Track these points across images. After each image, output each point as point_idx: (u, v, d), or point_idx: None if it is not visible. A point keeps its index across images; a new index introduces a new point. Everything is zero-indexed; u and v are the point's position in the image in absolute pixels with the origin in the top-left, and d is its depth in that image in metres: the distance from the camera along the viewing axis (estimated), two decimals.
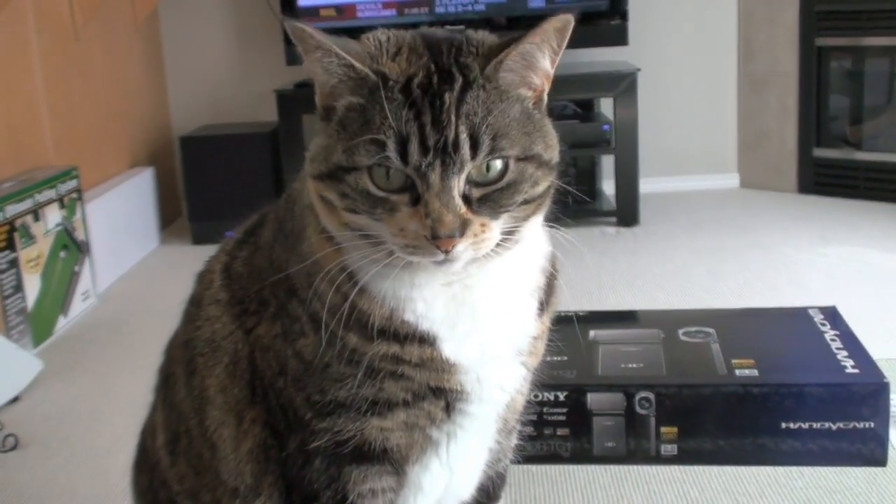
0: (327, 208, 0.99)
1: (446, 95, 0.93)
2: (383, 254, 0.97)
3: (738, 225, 3.94)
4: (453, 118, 0.93)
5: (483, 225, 0.95)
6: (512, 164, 0.96)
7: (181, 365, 1.22)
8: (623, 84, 3.93)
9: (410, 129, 0.92)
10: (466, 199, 0.95)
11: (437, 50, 0.97)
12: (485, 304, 1.07)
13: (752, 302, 2.93)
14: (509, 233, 0.99)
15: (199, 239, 4.05)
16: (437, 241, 0.93)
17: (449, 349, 1.06)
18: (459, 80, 0.95)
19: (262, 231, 1.19)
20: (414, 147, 0.92)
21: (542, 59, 0.99)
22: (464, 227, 0.94)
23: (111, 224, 3.60)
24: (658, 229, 3.95)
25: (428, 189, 0.93)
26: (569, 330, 1.96)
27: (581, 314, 2.17)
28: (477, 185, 0.95)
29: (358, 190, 0.94)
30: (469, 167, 0.94)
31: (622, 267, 3.44)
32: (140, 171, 4.09)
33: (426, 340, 1.05)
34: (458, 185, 0.94)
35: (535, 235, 1.11)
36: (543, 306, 1.14)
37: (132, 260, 3.81)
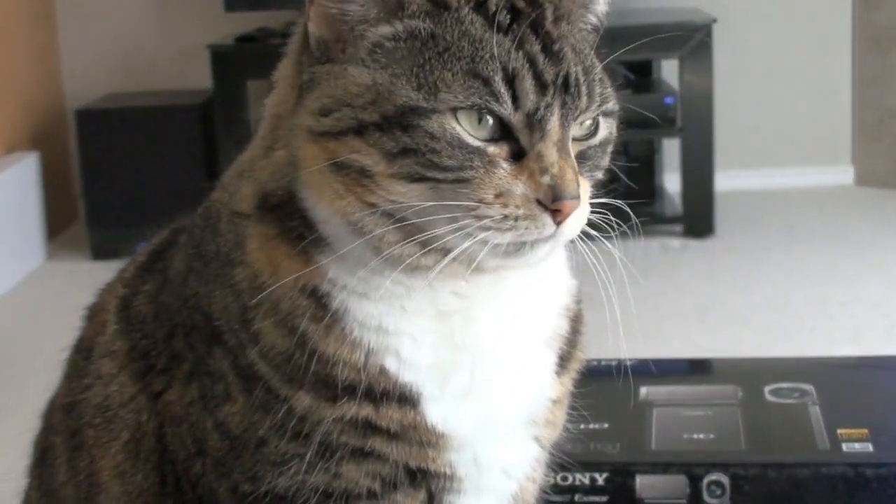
0: (347, 181, 1.00)
1: (547, 23, 1.00)
2: (455, 236, 0.98)
3: (853, 237, 3.94)
4: (568, 51, 1.00)
5: (586, 192, 1.02)
6: (601, 119, 1.05)
7: (63, 436, 1.21)
8: (693, 40, 3.94)
9: (519, 62, 0.97)
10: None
11: None
12: (490, 347, 1.07)
13: (869, 346, 2.92)
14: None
15: (100, 252, 4.06)
16: (557, 205, 0.97)
17: (436, 413, 1.06)
18: (550, 7, 1.02)
19: (171, 256, 1.19)
20: (528, 84, 0.97)
21: None
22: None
23: None
24: (740, 242, 3.94)
25: (543, 138, 0.98)
26: (612, 385, 1.95)
27: (630, 363, 2.15)
28: (574, 139, 1.02)
29: (444, 139, 0.96)
30: (588, 115, 1.01)
31: (690, 294, 3.42)
32: (19, 159, 4.07)
33: (407, 399, 1.06)
34: (571, 135, 1.01)
35: (558, 256, 1.12)
36: (565, 362, 1.16)
37: (7, 281, 3.79)
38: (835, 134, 4.65)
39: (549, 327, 1.14)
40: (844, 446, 1.86)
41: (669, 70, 4.29)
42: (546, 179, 0.97)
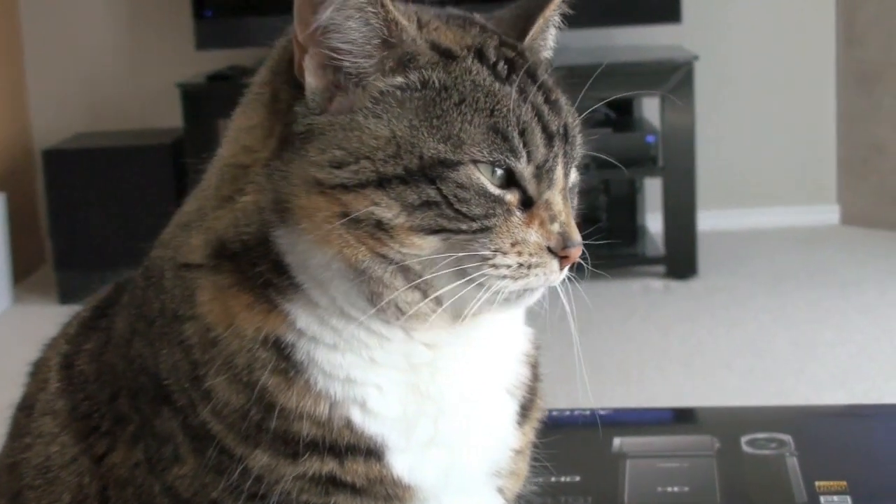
0: (360, 233, 1.00)
1: (539, 72, 1.04)
2: (462, 285, 1.00)
3: (839, 278, 3.95)
4: (562, 100, 1.05)
5: None
6: None
7: (5, 498, 1.19)
8: (675, 77, 3.96)
9: (528, 115, 1.00)
10: None
11: (471, 21, 1.07)
12: (455, 397, 1.07)
13: (856, 389, 2.93)
14: None
15: (68, 296, 4.04)
16: (566, 252, 1.02)
17: (402, 464, 1.05)
18: (530, 57, 1.06)
19: (114, 315, 1.18)
20: (538, 137, 1.01)
21: (550, 38, 1.13)
22: None
23: None
24: (723, 283, 3.95)
25: (551, 186, 1.02)
26: (584, 436, 1.93)
27: (603, 413, 2.13)
28: None
29: (473, 188, 0.99)
30: (578, 161, 1.07)
31: (673, 337, 3.43)
32: None
33: (372, 452, 1.05)
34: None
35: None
36: (526, 411, 1.15)
37: None
38: (819, 172, 4.67)
39: (511, 375, 1.13)
40: (823, 499, 1.83)
41: (650, 108, 4.31)
42: (556, 227, 1.01)
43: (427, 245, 0.99)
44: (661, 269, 4.08)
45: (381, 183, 0.99)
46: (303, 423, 1.03)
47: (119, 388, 1.11)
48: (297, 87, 1.02)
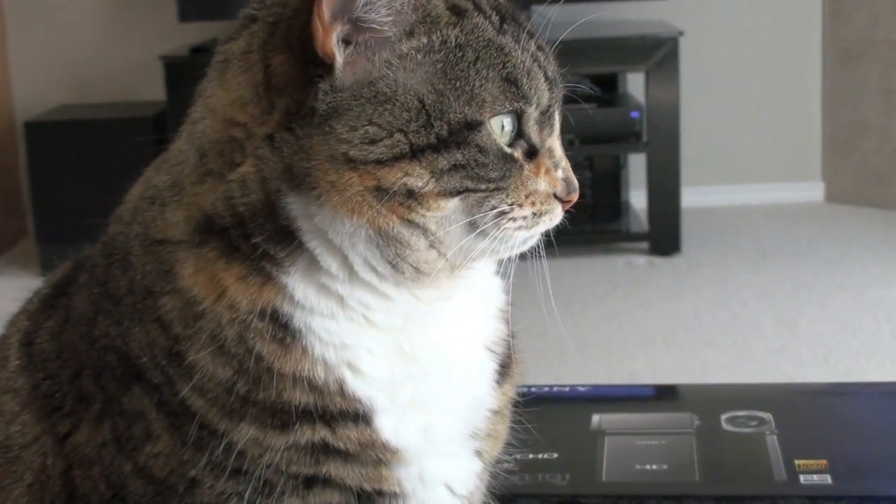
0: (391, 203, 1.00)
1: (521, 19, 1.06)
2: (488, 237, 1.03)
3: (823, 255, 3.95)
4: (547, 45, 1.06)
5: None
6: None
7: None
8: (659, 53, 3.95)
9: (530, 62, 1.02)
10: None
11: None
12: (438, 356, 1.08)
13: (839, 366, 2.93)
14: None
15: (50, 268, 3.92)
16: (570, 196, 1.05)
17: (389, 427, 1.06)
18: (511, 4, 1.07)
19: (73, 293, 1.16)
20: (541, 82, 1.02)
21: None
22: None
23: None
24: (707, 260, 3.95)
25: (552, 133, 1.05)
26: (563, 413, 1.93)
27: (582, 389, 2.13)
28: None
29: (491, 151, 1.01)
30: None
31: (656, 314, 3.43)
32: None
33: (361, 416, 1.05)
34: None
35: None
36: (505, 368, 1.15)
37: None
38: (804, 150, 4.67)
39: (490, 331, 1.14)
40: (802, 478, 1.83)
41: (635, 84, 4.30)
42: (560, 174, 1.05)
43: (450, 206, 1.01)
44: (644, 245, 4.08)
45: (415, 154, 0.99)
46: (296, 390, 1.03)
47: (81, 366, 1.10)
48: (307, 62, 1.00)
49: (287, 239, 1.02)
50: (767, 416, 2.01)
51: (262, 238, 1.02)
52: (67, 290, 1.18)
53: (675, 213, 4.03)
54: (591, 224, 4.20)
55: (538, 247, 1.09)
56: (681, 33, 3.98)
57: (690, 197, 4.23)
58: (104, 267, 1.11)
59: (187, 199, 1.06)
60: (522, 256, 1.09)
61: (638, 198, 4.30)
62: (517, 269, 1.10)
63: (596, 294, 3.64)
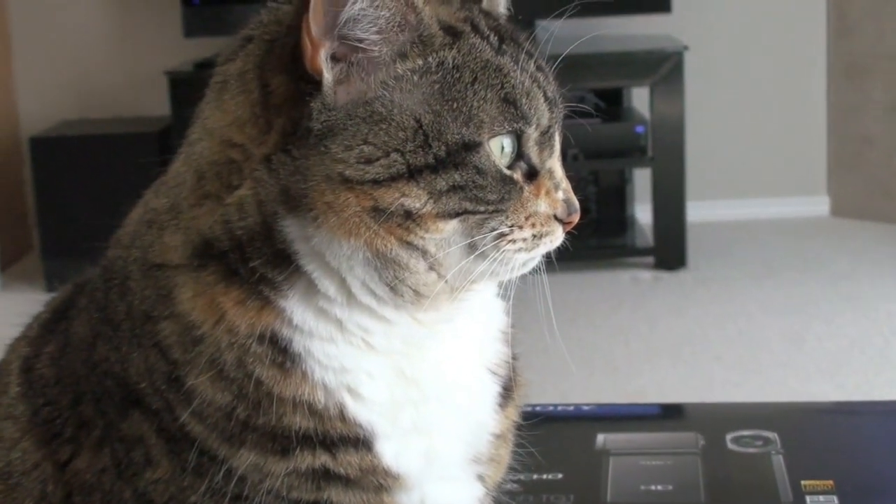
0: (389, 224, 0.99)
1: (521, 38, 1.05)
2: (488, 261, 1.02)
3: (829, 270, 3.94)
4: (545, 66, 1.05)
5: None
6: None
7: None
8: (664, 68, 3.95)
9: (529, 82, 1.01)
10: None
11: None
12: (438, 379, 1.07)
13: (846, 382, 2.92)
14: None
15: (55, 283, 3.99)
16: (571, 217, 1.04)
17: (390, 452, 1.05)
18: (506, 23, 1.06)
19: (72, 318, 1.15)
20: (541, 102, 1.01)
21: None
22: None
23: None
24: (713, 275, 3.94)
25: (552, 154, 1.04)
26: (567, 433, 1.91)
27: (587, 408, 2.11)
28: None
29: (489, 172, 1.00)
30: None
31: (661, 329, 3.42)
32: None
33: (362, 441, 1.04)
34: None
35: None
36: (508, 392, 1.14)
37: None
38: (809, 164, 4.66)
39: (492, 353, 1.13)
40: (808, 499, 1.81)
41: (640, 98, 4.29)
42: (560, 195, 1.04)
43: (449, 227, 1.00)
44: (650, 260, 4.07)
45: (412, 174, 0.98)
46: (296, 415, 1.01)
47: (81, 392, 1.09)
48: (300, 79, 0.99)
49: (285, 262, 1.00)
50: (773, 435, 1.99)
51: (259, 262, 1.01)
52: (67, 315, 1.16)
53: (680, 228, 4.03)
54: (596, 239, 4.19)
55: (540, 266, 1.08)
56: (686, 48, 3.98)
57: (696, 211, 4.22)
58: (103, 291, 1.10)
59: (185, 222, 1.05)
60: (523, 278, 1.08)
61: (643, 212, 4.29)
62: (520, 283, 1.09)
63: (601, 309, 3.63)
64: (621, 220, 4.29)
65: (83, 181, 4.09)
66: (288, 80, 0.99)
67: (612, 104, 4.27)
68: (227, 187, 1.02)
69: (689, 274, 3.97)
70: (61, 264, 4.04)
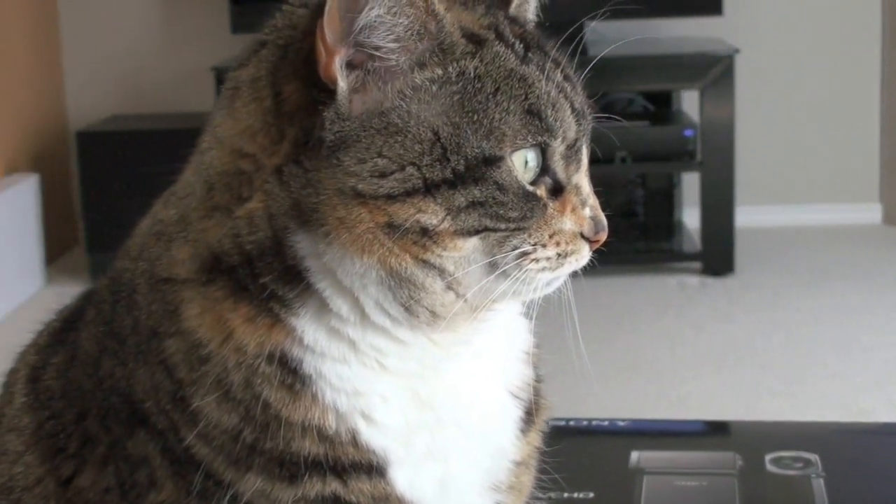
0: (404, 241, 0.96)
1: (548, 47, 1.02)
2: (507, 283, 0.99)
3: (880, 278, 3.90)
4: (574, 76, 1.02)
5: None
6: None
7: None
8: (714, 71, 3.91)
9: (555, 93, 0.98)
10: None
11: None
12: (454, 405, 1.04)
13: (895, 395, 2.87)
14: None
15: (100, 278, 4.01)
16: (598, 236, 1.01)
17: (404, 479, 1.02)
18: (533, 31, 1.03)
19: (80, 329, 1.13)
20: (568, 115, 0.99)
21: (533, 1, 1.12)
22: None
23: None
24: (761, 281, 3.90)
25: (579, 168, 1.01)
26: (601, 449, 1.89)
27: (621, 423, 2.08)
28: None
29: (510, 188, 0.96)
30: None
31: (707, 335, 3.39)
32: (19, 180, 4.08)
33: (375, 468, 1.01)
34: None
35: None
36: (531, 416, 1.11)
37: (4, 307, 3.78)
38: (862, 170, 4.61)
39: (515, 375, 1.10)
40: None
41: (690, 101, 4.27)
42: (587, 212, 1.01)
43: (468, 245, 0.96)
44: (697, 265, 4.04)
45: (429, 189, 0.94)
46: (306, 440, 0.99)
47: (87, 407, 1.07)
48: (313, 87, 0.95)
49: (296, 279, 0.98)
50: (814, 457, 1.94)
51: (270, 278, 0.98)
52: (76, 325, 1.14)
53: (728, 233, 4.00)
54: (644, 242, 4.19)
55: (566, 284, 1.05)
56: (737, 51, 3.94)
57: (745, 216, 4.20)
58: (110, 304, 1.08)
59: (194, 235, 1.02)
60: (547, 297, 1.04)
61: (691, 217, 4.26)
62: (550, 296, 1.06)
63: (647, 314, 3.61)
64: (669, 225, 4.27)
65: (129, 176, 4.08)
66: (301, 88, 0.96)
67: (661, 107, 4.25)
68: (237, 199, 0.99)
69: (737, 280, 3.94)
70: (106, 259, 3.99)
